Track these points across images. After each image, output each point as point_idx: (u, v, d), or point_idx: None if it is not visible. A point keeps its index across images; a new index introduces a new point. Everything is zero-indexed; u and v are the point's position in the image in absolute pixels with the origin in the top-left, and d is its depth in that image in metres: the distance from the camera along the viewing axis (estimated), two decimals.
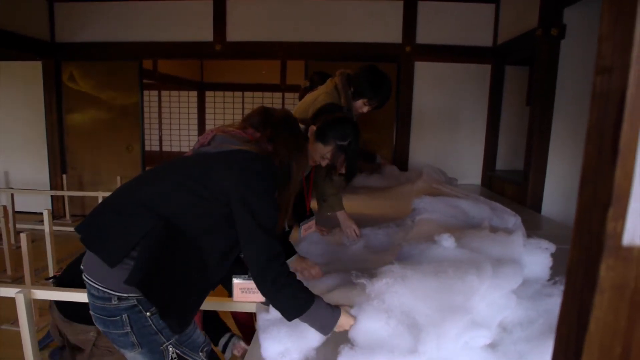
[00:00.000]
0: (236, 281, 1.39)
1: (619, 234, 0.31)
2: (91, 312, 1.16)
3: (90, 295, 1.14)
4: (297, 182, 1.31)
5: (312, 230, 2.03)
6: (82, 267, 1.16)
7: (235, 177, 1.13)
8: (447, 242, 1.38)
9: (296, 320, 1.11)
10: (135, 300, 1.10)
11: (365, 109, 2.04)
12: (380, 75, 2.00)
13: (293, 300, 1.10)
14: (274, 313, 1.23)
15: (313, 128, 1.52)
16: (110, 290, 1.09)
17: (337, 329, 1.13)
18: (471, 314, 1.08)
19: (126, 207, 1.12)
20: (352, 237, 1.99)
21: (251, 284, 1.31)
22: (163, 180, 1.17)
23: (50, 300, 1.66)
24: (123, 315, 1.10)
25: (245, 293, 1.39)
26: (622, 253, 0.32)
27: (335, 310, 1.13)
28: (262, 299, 1.33)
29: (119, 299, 1.09)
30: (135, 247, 1.06)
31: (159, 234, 1.06)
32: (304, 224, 1.97)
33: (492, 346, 1.09)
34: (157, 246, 1.06)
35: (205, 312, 1.74)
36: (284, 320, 1.14)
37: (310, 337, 1.16)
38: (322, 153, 1.49)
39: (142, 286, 1.02)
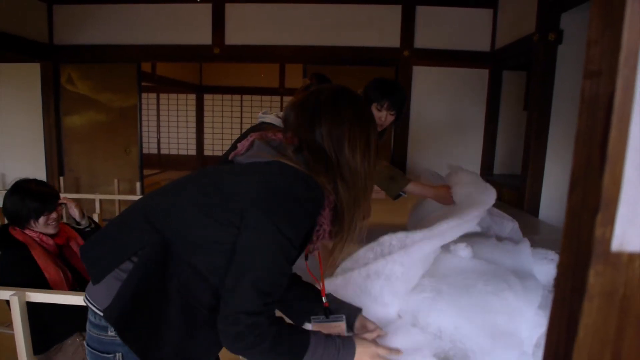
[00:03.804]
0: (315, 325, 1.05)
1: (607, 240, 0.31)
2: (86, 344, 0.97)
3: (88, 322, 0.95)
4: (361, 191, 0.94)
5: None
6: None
7: (251, 196, 0.84)
8: (464, 252, 1.30)
9: None
10: None
11: (382, 116, 1.94)
12: (388, 80, 2.01)
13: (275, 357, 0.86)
14: None
15: None
16: None
17: None
18: (522, 342, 1.00)
19: (132, 218, 0.94)
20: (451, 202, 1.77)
21: (332, 326, 1.03)
22: (179, 192, 0.95)
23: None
24: (117, 354, 0.91)
25: None
26: (611, 259, 0.31)
27: (345, 346, 0.90)
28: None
29: None
30: (132, 258, 0.88)
31: (154, 255, 0.86)
32: (318, 321, 1.08)
33: None
34: (149, 271, 0.86)
35: None
36: None
37: None
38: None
39: (117, 322, 0.84)
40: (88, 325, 0.95)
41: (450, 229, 1.22)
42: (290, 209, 0.84)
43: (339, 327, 1.03)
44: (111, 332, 0.90)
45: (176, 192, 0.95)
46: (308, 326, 1.06)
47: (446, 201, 1.78)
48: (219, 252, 0.87)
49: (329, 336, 0.92)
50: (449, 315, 1.03)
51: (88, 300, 0.94)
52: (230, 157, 1.01)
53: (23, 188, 1.80)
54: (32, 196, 1.77)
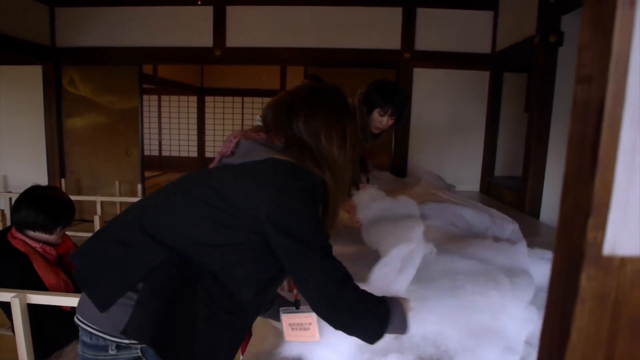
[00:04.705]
0: (285, 316, 1.05)
1: (599, 244, 0.31)
2: None
3: (81, 343, 0.91)
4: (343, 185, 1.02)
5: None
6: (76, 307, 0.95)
7: (270, 200, 0.86)
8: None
9: None
10: (139, 351, 0.87)
11: (384, 121, 1.98)
12: (389, 83, 2.02)
13: (374, 324, 0.90)
14: None
15: None
16: (107, 335, 0.86)
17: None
18: (506, 338, 1.02)
19: (129, 236, 0.90)
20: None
21: (303, 317, 1.04)
22: (174, 202, 0.93)
23: None
24: None
25: (296, 330, 1.05)
26: (603, 263, 0.32)
27: (398, 303, 0.95)
28: (316, 337, 1.05)
29: (118, 347, 0.86)
30: (136, 288, 0.85)
31: (169, 272, 0.85)
32: (288, 311, 1.09)
33: None
34: (167, 288, 0.85)
35: None
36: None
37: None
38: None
39: (156, 343, 0.82)
40: (82, 348, 0.91)
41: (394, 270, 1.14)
42: (303, 197, 0.88)
43: (310, 317, 1.04)
44: (112, 351, 0.87)
45: (175, 204, 0.93)
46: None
47: (351, 222, 1.79)
48: (236, 255, 0.89)
49: (389, 299, 0.95)
50: (431, 322, 1.05)
51: (81, 321, 0.90)
52: (217, 161, 1.01)
53: (61, 199, 1.83)
54: (70, 208, 1.84)
